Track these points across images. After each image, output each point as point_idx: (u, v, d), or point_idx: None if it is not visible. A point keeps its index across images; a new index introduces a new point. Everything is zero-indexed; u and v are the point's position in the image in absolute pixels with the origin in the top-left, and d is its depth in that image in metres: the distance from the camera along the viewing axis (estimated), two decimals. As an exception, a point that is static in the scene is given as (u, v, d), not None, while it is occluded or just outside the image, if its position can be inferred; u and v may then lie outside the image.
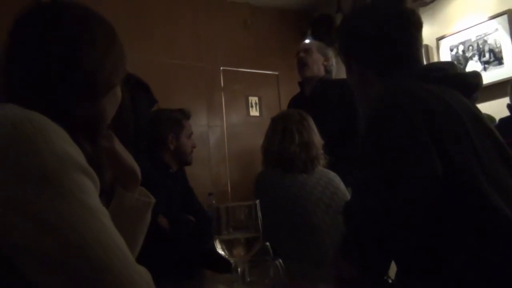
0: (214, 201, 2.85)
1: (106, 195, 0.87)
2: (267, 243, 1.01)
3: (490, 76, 2.94)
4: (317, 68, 2.67)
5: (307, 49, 2.71)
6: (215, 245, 0.81)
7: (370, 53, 1.14)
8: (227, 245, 0.80)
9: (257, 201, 0.85)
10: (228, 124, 3.93)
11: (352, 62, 1.21)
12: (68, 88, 0.73)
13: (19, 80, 0.73)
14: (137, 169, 0.95)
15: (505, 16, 2.89)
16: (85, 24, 0.79)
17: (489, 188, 0.91)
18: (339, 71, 2.76)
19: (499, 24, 2.92)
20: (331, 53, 2.73)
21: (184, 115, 2.30)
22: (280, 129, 1.89)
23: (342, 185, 1.89)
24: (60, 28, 0.76)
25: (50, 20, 0.77)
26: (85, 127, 0.76)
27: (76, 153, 0.65)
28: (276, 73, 4.21)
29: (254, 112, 4.10)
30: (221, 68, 3.92)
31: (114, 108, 0.84)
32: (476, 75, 1.12)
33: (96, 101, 0.78)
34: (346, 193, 1.86)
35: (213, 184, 3.72)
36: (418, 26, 1.13)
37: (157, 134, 2.18)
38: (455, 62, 3.13)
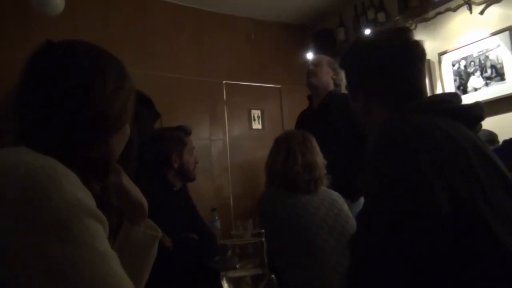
0: (216, 217, 2.85)
1: (114, 231, 0.87)
2: (273, 276, 1.01)
3: (491, 91, 2.96)
4: (326, 81, 2.69)
5: (317, 62, 2.75)
6: (222, 282, 0.81)
7: (375, 86, 1.15)
8: (233, 283, 0.80)
9: (263, 231, 0.86)
10: (231, 137, 3.93)
11: (358, 92, 1.22)
12: (79, 127, 0.74)
13: (31, 119, 0.74)
14: (145, 203, 0.95)
15: (506, 33, 2.90)
16: (96, 64, 0.80)
17: (496, 224, 0.91)
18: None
19: (501, 40, 2.93)
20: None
21: (186, 132, 2.32)
22: (284, 149, 1.90)
23: (345, 206, 1.89)
24: (71, 68, 0.77)
25: (62, 60, 0.78)
26: (94, 167, 0.77)
27: (86, 198, 0.65)
28: (279, 86, 4.22)
29: (257, 125, 4.10)
30: (224, 81, 3.93)
31: (123, 145, 0.85)
32: (478, 107, 1.12)
33: (106, 140, 0.79)
34: (349, 214, 1.86)
35: (216, 197, 3.72)
36: (422, 58, 1.14)
37: (160, 154, 2.19)
38: (457, 78, 3.16)
